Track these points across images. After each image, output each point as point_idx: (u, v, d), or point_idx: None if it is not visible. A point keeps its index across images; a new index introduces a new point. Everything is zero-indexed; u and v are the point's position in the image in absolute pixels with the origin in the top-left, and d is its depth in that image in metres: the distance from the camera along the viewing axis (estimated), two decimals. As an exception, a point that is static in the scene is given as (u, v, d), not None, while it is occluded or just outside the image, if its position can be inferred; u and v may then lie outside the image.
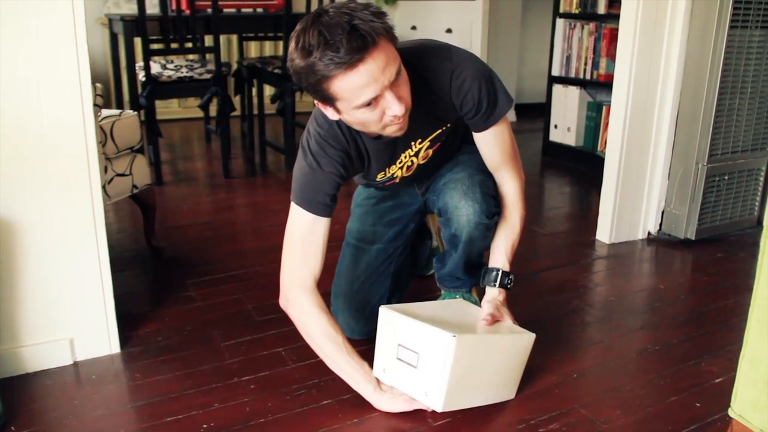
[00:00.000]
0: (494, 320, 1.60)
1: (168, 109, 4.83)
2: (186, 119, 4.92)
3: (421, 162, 1.68)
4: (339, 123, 1.50)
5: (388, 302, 1.87)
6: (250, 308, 2.05)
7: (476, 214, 1.64)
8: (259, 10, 3.73)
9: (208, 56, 3.62)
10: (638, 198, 2.66)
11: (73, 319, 1.72)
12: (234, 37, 4.79)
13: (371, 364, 1.57)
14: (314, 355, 1.62)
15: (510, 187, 1.69)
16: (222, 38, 4.46)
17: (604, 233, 2.66)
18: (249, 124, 4.13)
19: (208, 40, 3.45)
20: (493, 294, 1.66)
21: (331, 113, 1.41)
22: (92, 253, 1.71)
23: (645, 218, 2.70)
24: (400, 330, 1.50)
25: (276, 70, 3.52)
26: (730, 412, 1.27)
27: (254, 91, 3.96)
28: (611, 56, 3.54)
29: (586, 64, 3.77)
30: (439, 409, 1.47)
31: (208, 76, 3.42)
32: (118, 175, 2.21)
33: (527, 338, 1.60)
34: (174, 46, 3.40)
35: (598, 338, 1.93)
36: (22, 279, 1.65)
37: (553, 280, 2.31)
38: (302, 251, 1.57)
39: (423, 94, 1.47)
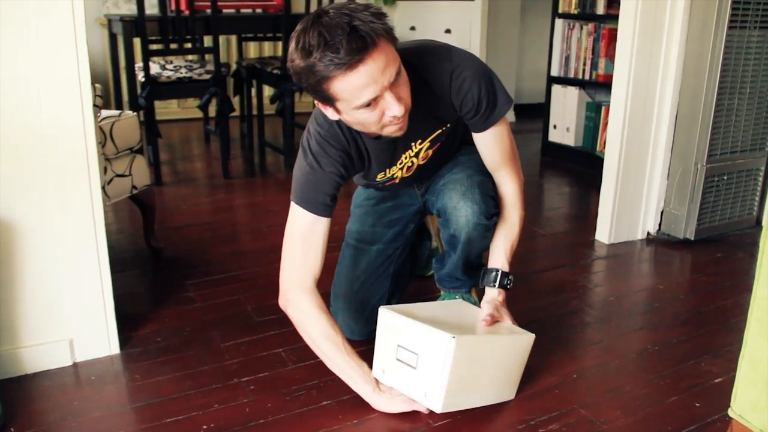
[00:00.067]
0: (494, 321, 1.60)
1: (167, 109, 4.83)
2: (185, 120, 4.92)
3: (421, 162, 1.68)
4: (339, 123, 1.50)
5: (388, 303, 1.87)
6: (250, 309, 2.05)
7: (475, 215, 1.64)
8: (258, 10, 3.73)
9: (207, 57, 3.62)
10: (637, 198, 2.66)
11: (73, 320, 1.72)
12: (233, 38, 4.79)
13: (371, 365, 1.57)
14: (314, 356, 1.62)
15: (509, 187, 1.70)
16: (221, 39, 4.48)
17: (604, 233, 2.66)
18: (248, 124, 4.13)
19: (208, 41, 3.45)
20: (493, 294, 1.66)
21: (331, 113, 1.41)
22: (92, 253, 1.71)
23: (644, 218, 2.70)
24: (400, 331, 1.50)
25: (275, 71, 3.52)
26: (730, 413, 1.27)
27: (253, 91, 3.95)
28: (610, 56, 3.54)
29: (585, 64, 3.77)
30: (438, 410, 1.47)
31: (207, 76, 3.42)
32: (118, 175, 2.21)
33: (527, 339, 1.60)
34: (173, 46, 3.40)
35: (597, 338, 1.93)
36: (22, 280, 1.65)
37: (553, 280, 2.31)
38: (302, 251, 1.57)
39: (423, 94, 1.47)
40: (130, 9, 4.47)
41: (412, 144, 1.61)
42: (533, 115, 4.97)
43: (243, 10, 3.71)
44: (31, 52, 1.54)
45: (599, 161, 2.84)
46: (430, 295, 2.01)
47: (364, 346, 1.75)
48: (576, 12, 3.79)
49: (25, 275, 1.65)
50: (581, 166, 3.82)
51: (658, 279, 2.38)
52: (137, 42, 3.18)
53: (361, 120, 1.38)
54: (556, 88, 3.98)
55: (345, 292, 1.86)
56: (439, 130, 1.61)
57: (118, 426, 1.50)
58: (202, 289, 2.18)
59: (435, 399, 1.46)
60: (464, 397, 1.52)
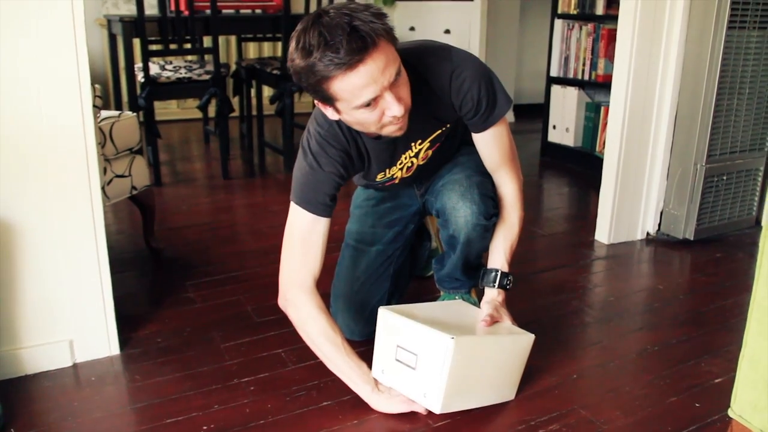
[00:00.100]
0: (493, 321, 1.60)
1: (167, 110, 4.83)
2: (185, 120, 4.92)
3: (421, 163, 1.68)
4: (339, 123, 1.50)
5: (388, 303, 1.87)
6: (250, 309, 2.05)
7: (474, 216, 1.64)
8: (258, 11, 3.73)
9: (206, 57, 3.62)
10: (637, 198, 2.66)
11: (73, 321, 1.72)
12: (233, 38, 4.78)
13: (370, 365, 1.57)
14: (314, 357, 1.62)
15: (508, 187, 1.70)
16: (221, 39, 4.48)
17: (603, 234, 2.66)
18: (248, 125, 4.13)
19: (207, 41, 3.45)
20: (492, 295, 1.66)
21: (331, 113, 1.41)
22: (92, 254, 1.71)
23: (644, 219, 2.70)
24: (399, 331, 1.50)
25: (275, 71, 3.52)
26: (730, 413, 1.27)
27: (253, 92, 3.96)
28: (609, 57, 3.54)
29: (584, 64, 3.77)
30: (437, 411, 1.47)
31: (206, 77, 3.42)
32: (118, 176, 2.21)
33: (526, 339, 1.60)
34: (173, 47, 3.40)
35: (597, 339, 1.93)
36: (22, 280, 1.65)
37: (552, 280, 2.31)
38: (302, 251, 1.57)
39: (423, 94, 1.47)
40: (130, 9, 4.47)
41: (412, 144, 1.61)
42: (533, 115, 4.97)
43: (242, 11, 3.71)
44: (30, 52, 1.54)
45: (599, 161, 2.84)
46: (430, 296, 2.01)
47: (363, 346, 1.75)
48: (575, 12, 3.79)
49: (25, 276, 1.65)
50: (581, 167, 3.82)
51: (657, 279, 2.39)
52: (137, 42, 3.18)
53: (361, 120, 1.38)
54: (556, 89, 3.98)
55: (345, 293, 1.86)
56: (439, 131, 1.61)
57: (118, 427, 1.50)
58: (202, 290, 2.18)
59: (434, 399, 1.46)
60: (463, 398, 1.52)
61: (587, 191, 3.43)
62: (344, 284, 1.87)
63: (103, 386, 1.66)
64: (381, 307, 1.55)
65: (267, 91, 4.47)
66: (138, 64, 3.42)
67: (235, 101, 4.12)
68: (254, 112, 4.02)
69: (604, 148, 3.17)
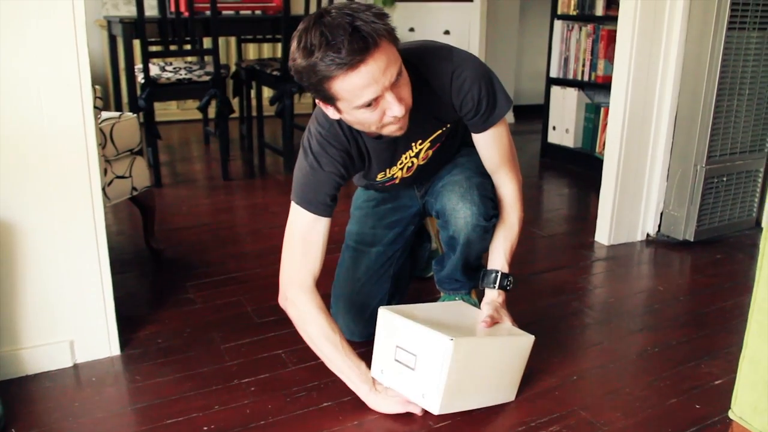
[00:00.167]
0: (493, 322, 1.60)
1: (167, 111, 4.83)
2: (185, 121, 4.92)
3: (421, 163, 1.68)
4: (340, 122, 1.51)
5: (388, 304, 1.87)
6: (250, 310, 2.05)
7: (474, 217, 1.64)
8: (258, 12, 3.73)
9: (206, 58, 3.62)
10: (637, 199, 2.66)
11: (73, 321, 1.72)
12: (232, 39, 4.79)
13: (370, 365, 1.57)
14: (314, 358, 1.62)
15: (508, 188, 1.70)
16: (221, 40, 4.49)
17: (603, 235, 2.66)
18: (248, 126, 4.13)
19: (207, 42, 3.45)
20: (493, 296, 1.66)
21: (331, 112, 1.41)
22: (92, 255, 1.71)
23: (644, 220, 2.70)
24: (399, 331, 1.50)
25: (275, 72, 3.52)
26: (731, 414, 1.27)
27: (253, 93, 3.96)
28: (609, 58, 3.55)
29: (584, 65, 3.77)
30: (435, 412, 1.47)
31: (206, 78, 3.42)
32: (118, 177, 2.21)
33: (526, 340, 1.60)
34: (173, 48, 3.40)
35: (597, 340, 1.94)
36: (22, 281, 1.65)
37: (552, 281, 2.31)
38: (302, 251, 1.58)
39: (424, 94, 1.48)
40: (130, 11, 4.48)
41: (413, 144, 1.61)
42: (532, 116, 4.98)
43: (242, 12, 3.72)
44: (31, 53, 1.54)
45: (599, 162, 2.85)
46: (431, 297, 2.01)
47: (364, 347, 1.74)
48: (575, 13, 3.79)
49: (25, 276, 1.65)
50: (580, 168, 3.82)
51: (657, 280, 2.39)
52: (137, 44, 3.19)
53: (362, 120, 1.38)
54: (555, 90, 3.98)
55: (345, 294, 1.86)
56: (440, 131, 1.61)
57: (119, 427, 1.50)
58: (203, 291, 2.18)
59: (432, 400, 1.46)
60: (463, 399, 1.52)
61: (587, 192, 3.44)
62: (345, 285, 1.87)
63: (104, 387, 1.66)
64: (381, 307, 1.55)
65: (267, 92, 4.46)
66: (138, 65, 3.43)
67: (235, 102, 4.12)
68: (254, 113, 4.02)
69: (603, 149, 3.18)
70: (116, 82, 3.96)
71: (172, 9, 3.26)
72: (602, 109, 3.69)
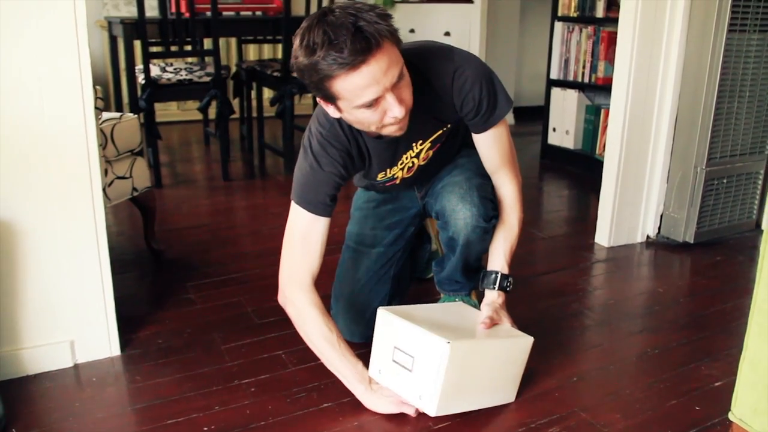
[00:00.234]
0: (493, 323, 1.60)
1: (167, 111, 4.83)
2: (185, 122, 4.92)
3: (422, 163, 1.68)
4: (341, 122, 1.51)
5: (388, 305, 1.87)
6: (250, 311, 2.05)
7: (473, 218, 1.64)
8: (258, 13, 3.73)
9: (207, 59, 3.63)
10: (637, 201, 2.66)
11: (74, 322, 1.72)
12: (233, 40, 4.79)
13: (368, 365, 1.57)
14: (314, 358, 1.63)
15: (508, 189, 1.70)
16: (221, 41, 4.48)
17: (603, 236, 2.66)
18: (248, 126, 4.13)
19: (208, 43, 3.45)
20: (492, 297, 1.66)
21: (332, 111, 1.42)
22: (93, 255, 1.71)
23: (644, 221, 2.70)
24: (397, 332, 1.50)
25: (275, 73, 3.52)
26: (731, 416, 1.27)
27: (253, 93, 3.96)
28: (609, 59, 3.55)
29: (584, 67, 3.78)
30: (432, 414, 1.47)
31: (207, 78, 3.42)
32: (119, 177, 2.21)
33: (525, 342, 1.60)
34: (173, 48, 3.40)
35: (597, 341, 1.94)
36: (23, 281, 1.65)
37: (552, 283, 2.31)
38: (301, 250, 1.58)
39: (425, 94, 1.48)
40: (130, 11, 4.48)
41: (413, 144, 1.61)
42: (533, 118, 4.98)
43: (243, 13, 3.72)
44: (32, 54, 1.54)
45: (599, 164, 2.85)
46: (431, 298, 2.01)
47: (363, 348, 1.74)
48: (575, 15, 3.80)
49: (26, 277, 1.65)
50: (581, 169, 3.83)
51: (657, 282, 2.39)
52: (137, 44, 3.19)
53: (362, 119, 1.39)
54: (556, 91, 3.98)
55: (345, 295, 1.86)
56: (440, 131, 1.62)
57: (119, 427, 1.51)
58: (203, 291, 2.18)
59: (429, 402, 1.46)
60: (460, 401, 1.52)
61: (587, 194, 3.44)
62: (345, 286, 1.87)
63: (104, 387, 1.66)
64: (380, 307, 1.55)
65: (267, 93, 4.46)
66: (139, 66, 3.43)
67: (235, 103, 4.12)
68: (254, 114, 4.02)
69: (604, 150, 3.17)
70: (117, 82, 3.97)
71: (173, 10, 3.26)
72: (602, 111, 3.69)
